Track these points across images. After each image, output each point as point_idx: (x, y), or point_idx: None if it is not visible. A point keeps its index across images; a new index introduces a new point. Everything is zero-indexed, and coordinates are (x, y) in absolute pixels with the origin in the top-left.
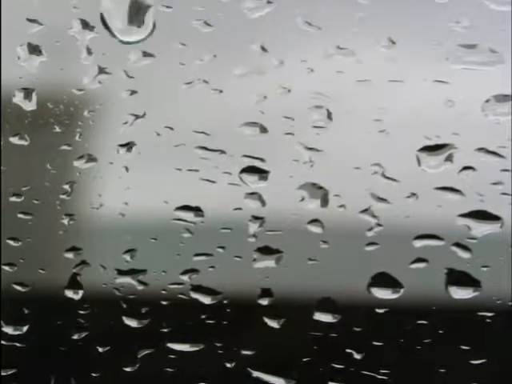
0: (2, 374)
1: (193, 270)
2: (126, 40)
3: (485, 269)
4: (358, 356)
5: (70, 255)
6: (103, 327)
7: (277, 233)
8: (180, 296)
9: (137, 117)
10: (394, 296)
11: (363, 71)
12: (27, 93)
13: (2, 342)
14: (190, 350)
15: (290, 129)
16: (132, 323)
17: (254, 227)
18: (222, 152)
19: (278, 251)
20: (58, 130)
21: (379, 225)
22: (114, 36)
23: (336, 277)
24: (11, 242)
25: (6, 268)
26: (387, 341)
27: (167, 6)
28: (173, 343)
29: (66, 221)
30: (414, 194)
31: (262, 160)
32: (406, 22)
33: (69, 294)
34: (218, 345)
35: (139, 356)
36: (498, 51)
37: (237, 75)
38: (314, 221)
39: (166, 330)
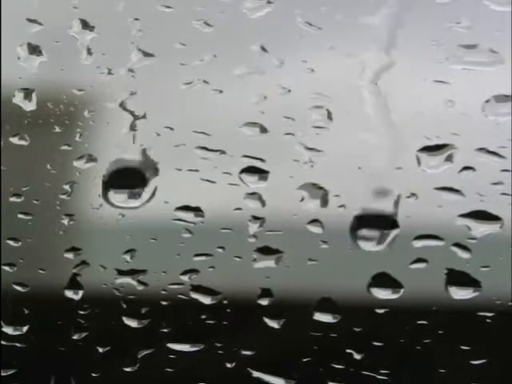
0: (2, 374)
1: (193, 271)
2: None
3: (485, 269)
4: (357, 356)
5: (69, 255)
6: (103, 327)
7: (277, 233)
8: (180, 296)
9: (137, 117)
10: (394, 296)
11: (363, 71)
12: (27, 93)
13: (2, 342)
14: (190, 350)
15: (290, 129)
16: (132, 323)
17: (253, 227)
18: (222, 152)
19: (277, 251)
20: (58, 130)
21: None
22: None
23: (336, 277)
24: (11, 242)
25: (6, 268)
26: (387, 341)
27: (167, 6)
28: (173, 343)
29: (65, 221)
30: (413, 194)
31: (261, 160)
32: (405, 22)
33: (69, 294)
34: (218, 345)
35: (139, 356)
36: (498, 51)
37: (237, 75)
38: (314, 221)
39: (166, 330)
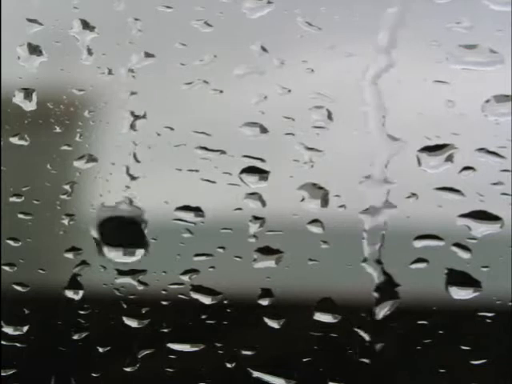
0: (2, 374)
1: (193, 271)
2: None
3: (485, 269)
4: (358, 356)
5: (70, 255)
6: (103, 327)
7: (277, 233)
8: (180, 296)
9: (137, 117)
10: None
11: (363, 71)
12: (27, 93)
13: (2, 342)
14: (190, 350)
15: (291, 129)
16: (132, 323)
17: (254, 227)
18: (223, 152)
19: (278, 251)
20: (58, 130)
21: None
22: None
23: (336, 277)
24: (11, 242)
25: (6, 268)
26: (387, 341)
27: (167, 6)
28: (173, 343)
29: (66, 221)
30: (414, 194)
31: (262, 160)
32: (405, 22)
33: (69, 294)
34: (218, 345)
35: (139, 356)
36: (498, 51)
37: (237, 75)
38: (315, 221)
39: (166, 330)
